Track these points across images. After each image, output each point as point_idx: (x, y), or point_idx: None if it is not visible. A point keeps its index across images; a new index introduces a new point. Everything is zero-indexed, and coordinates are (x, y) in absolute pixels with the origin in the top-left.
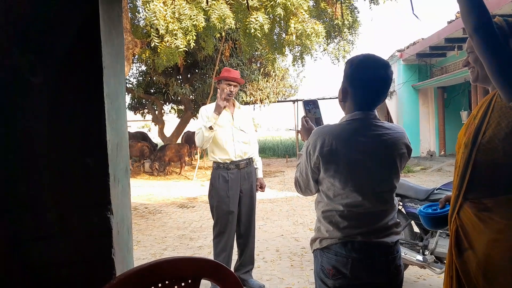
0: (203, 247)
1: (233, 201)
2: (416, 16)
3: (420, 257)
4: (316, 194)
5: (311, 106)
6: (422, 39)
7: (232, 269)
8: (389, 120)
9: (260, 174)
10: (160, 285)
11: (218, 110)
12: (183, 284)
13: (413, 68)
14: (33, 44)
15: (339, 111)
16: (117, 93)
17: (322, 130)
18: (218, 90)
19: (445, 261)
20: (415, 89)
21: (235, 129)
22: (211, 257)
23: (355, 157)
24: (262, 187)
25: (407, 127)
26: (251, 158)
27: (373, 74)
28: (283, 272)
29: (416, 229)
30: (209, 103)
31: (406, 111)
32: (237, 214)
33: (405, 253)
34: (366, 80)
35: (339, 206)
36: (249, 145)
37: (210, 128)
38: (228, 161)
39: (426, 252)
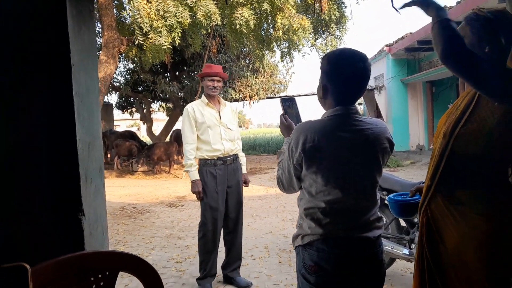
0: (191, 246)
1: (221, 197)
2: (396, 9)
3: (406, 251)
4: (300, 191)
5: (290, 103)
6: (410, 33)
7: (219, 267)
8: (379, 114)
9: (244, 170)
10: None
11: (192, 186)
12: (100, 276)
13: (401, 62)
14: None
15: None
16: (89, 90)
17: (304, 126)
18: (203, 87)
19: None
20: (404, 84)
21: (222, 128)
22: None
23: (337, 152)
24: (246, 183)
25: (397, 121)
26: (237, 154)
27: (351, 68)
28: (271, 269)
29: (403, 223)
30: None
31: (395, 106)
32: (224, 210)
33: (392, 247)
34: (345, 75)
35: (321, 203)
36: (235, 142)
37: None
38: (215, 158)
39: (413, 246)
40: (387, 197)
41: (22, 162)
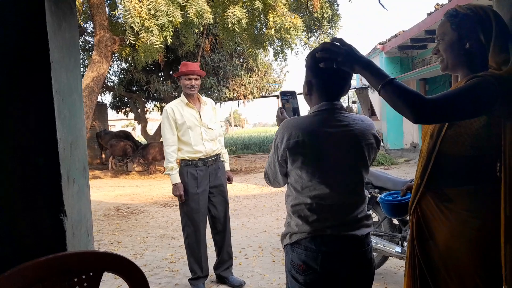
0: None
1: (203, 198)
2: (382, 5)
3: (399, 249)
4: (287, 188)
5: (289, 97)
6: (403, 31)
7: (211, 267)
8: (372, 113)
9: (227, 167)
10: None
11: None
12: (83, 276)
13: (395, 60)
14: None
15: None
16: (71, 89)
17: (289, 123)
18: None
19: None
20: None
21: (203, 128)
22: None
23: (322, 148)
24: (229, 180)
25: (391, 119)
26: (219, 154)
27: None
28: (264, 269)
29: (395, 221)
30: None
31: None
32: (212, 211)
33: (384, 245)
34: (329, 70)
35: (307, 199)
36: (216, 141)
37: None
38: (196, 159)
39: (405, 244)
40: (379, 196)
41: (2, 162)
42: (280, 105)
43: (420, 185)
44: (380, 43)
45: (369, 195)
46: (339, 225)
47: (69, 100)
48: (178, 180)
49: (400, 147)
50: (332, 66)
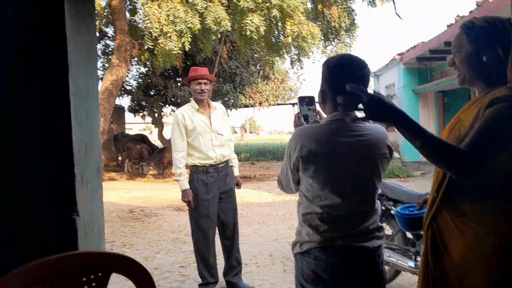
0: None
1: (213, 204)
2: (398, 15)
3: (412, 263)
4: (298, 196)
5: (307, 103)
6: (422, 42)
7: (220, 274)
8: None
9: (236, 172)
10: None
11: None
12: (92, 276)
13: (413, 71)
14: None
15: None
16: (88, 91)
17: (301, 132)
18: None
19: None
20: (415, 93)
21: (213, 134)
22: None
23: (334, 158)
24: (238, 185)
25: None
26: (229, 160)
27: (350, 74)
28: (275, 277)
29: (409, 235)
30: None
31: None
32: (221, 217)
33: (397, 259)
34: (343, 80)
35: (318, 208)
36: (226, 146)
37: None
38: (207, 165)
39: (418, 258)
40: (394, 209)
41: (18, 161)
42: (298, 110)
43: (435, 199)
44: (398, 54)
45: (383, 208)
46: (350, 236)
47: (86, 101)
48: (187, 186)
49: (417, 160)
50: (355, 109)
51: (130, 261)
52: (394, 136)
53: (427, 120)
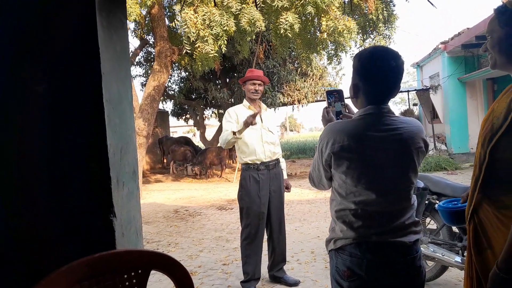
0: (238, 248)
1: (264, 201)
2: (431, 3)
3: (459, 259)
4: (331, 192)
5: (335, 97)
6: (467, 28)
7: (263, 271)
8: (435, 115)
9: (285, 175)
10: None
11: (246, 125)
12: (133, 273)
13: (458, 60)
14: (34, 52)
15: None
16: (121, 98)
17: (333, 127)
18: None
19: None
20: (462, 82)
21: (263, 130)
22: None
23: (368, 153)
24: (288, 188)
25: (455, 122)
26: (279, 159)
27: (383, 66)
28: (317, 274)
29: (455, 229)
30: None
31: (453, 106)
32: (270, 214)
33: (443, 254)
34: (377, 73)
35: (352, 205)
36: (276, 146)
37: (235, 133)
38: (258, 162)
39: (466, 253)
40: (437, 203)
41: (57, 168)
42: (326, 105)
43: (475, 192)
44: (442, 43)
45: (427, 202)
46: (385, 232)
47: (119, 108)
48: (241, 125)
49: (466, 151)
50: None
51: (168, 259)
52: (441, 128)
53: (476, 109)
